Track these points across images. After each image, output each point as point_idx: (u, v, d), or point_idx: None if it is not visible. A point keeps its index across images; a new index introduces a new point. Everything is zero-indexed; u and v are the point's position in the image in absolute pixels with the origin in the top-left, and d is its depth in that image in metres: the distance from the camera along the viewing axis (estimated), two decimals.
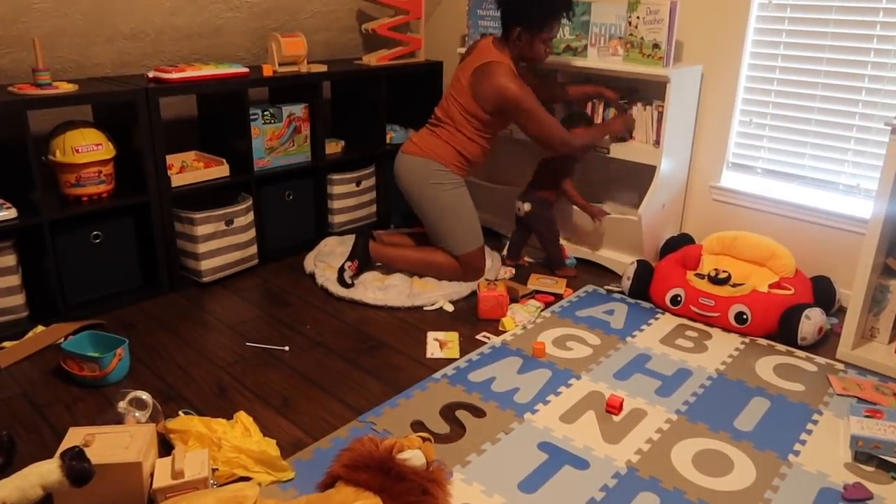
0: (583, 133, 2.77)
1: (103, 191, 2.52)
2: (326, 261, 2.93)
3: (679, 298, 2.58)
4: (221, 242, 2.77)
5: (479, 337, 2.44)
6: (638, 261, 2.75)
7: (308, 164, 3.09)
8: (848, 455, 1.86)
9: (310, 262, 2.98)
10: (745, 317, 2.44)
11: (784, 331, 2.41)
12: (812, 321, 2.36)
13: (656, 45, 2.69)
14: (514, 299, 2.68)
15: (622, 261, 2.95)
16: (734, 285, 2.51)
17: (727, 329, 2.51)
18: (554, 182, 2.91)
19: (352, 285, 2.74)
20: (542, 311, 2.63)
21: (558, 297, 2.73)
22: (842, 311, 2.52)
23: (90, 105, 2.71)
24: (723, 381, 2.20)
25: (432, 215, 2.75)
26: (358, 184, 3.31)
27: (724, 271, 2.56)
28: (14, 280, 2.34)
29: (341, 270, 2.75)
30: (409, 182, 2.76)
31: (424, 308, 2.64)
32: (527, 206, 2.91)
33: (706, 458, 1.84)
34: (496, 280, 2.74)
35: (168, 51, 2.91)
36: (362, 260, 2.79)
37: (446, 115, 2.74)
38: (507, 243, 3.11)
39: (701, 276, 2.59)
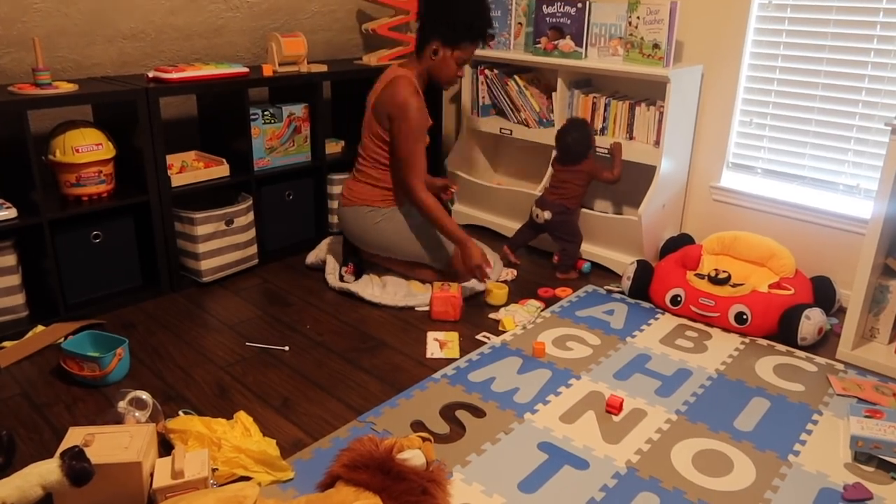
0: (433, 208, 2.56)
1: (103, 190, 2.52)
2: (331, 255, 2.97)
3: (679, 298, 2.58)
4: (221, 242, 2.77)
5: (478, 337, 2.44)
6: (638, 261, 2.75)
7: (308, 164, 3.09)
8: (848, 455, 1.86)
9: (317, 255, 3.00)
10: (744, 317, 2.44)
11: (784, 331, 2.41)
12: (812, 321, 2.36)
13: (656, 46, 2.69)
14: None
15: (622, 261, 2.95)
16: (734, 285, 2.50)
17: (727, 329, 2.51)
18: (575, 189, 2.88)
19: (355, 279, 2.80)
20: (541, 311, 2.63)
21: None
22: (842, 312, 2.52)
23: (90, 105, 2.71)
24: (723, 382, 2.20)
25: (393, 250, 2.73)
26: None
27: (724, 271, 2.56)
28: (14, 280, 2.34)
29: (340, 276, 2.80)
30: (353, 234, 2.75)
31: (416, 308, 2.64)
32: (546, 214, 2.88)
33: (706, 459, 1.84)
34: (450, 283, 2.65)
35: (168, 51, 2.92)
36: (356, 261, 2.81)
37: (361, 150, 2.73)
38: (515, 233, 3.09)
39: (701, 277, 2.58)
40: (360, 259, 2.83)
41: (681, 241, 2.92)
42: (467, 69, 3.34)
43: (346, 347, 2.36)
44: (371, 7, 3.41)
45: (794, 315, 2.38)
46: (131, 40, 2.78)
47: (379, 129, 2.63)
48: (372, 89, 2.69)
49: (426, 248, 2.72)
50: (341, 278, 2.80)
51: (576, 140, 2.84)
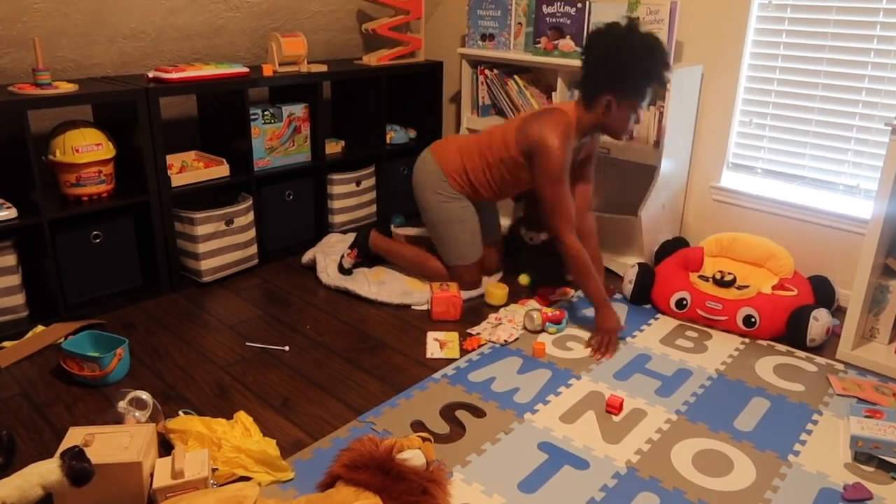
0: (581, 258, 2.39)
1: (103, 191, 2.52)
2: (328, 251, 2.98)
3: (685, 302, 2.55)
4: (221, 242, 2.77)
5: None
6: (639, 264, 2.73)
7: (308, 164, 3.09)
8: (848, 455, 1.86)
9: (310, 254, 3.00)
10: (753, 320, 2.43)
11: (792, 333, 2.40)
12: (820, 322, 2.35)
13: None
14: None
15: (621, 261, 2.95)
16: (740, 287, 2.49)
17: (732, 332, 2.49)
18: None
19: (350, 272, 2.82)
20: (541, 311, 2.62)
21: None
22: (841, 311, 2.52)
23: (90, 105, 2.71)
24: (723, 382, 2.20)
25: (428, 223, 2.75)
26: (358, 184, 3.31)
27: (729, 273, 2.54)
28: (14, 280, 2.34)
29: (341, 258, 2.84)
30: (416, 180, 2.73)
31: (413, 307, 2.64)
32: (543, 235, 2.87)
33: (706, 459, 1.84)
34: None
35: (168, 51, 2.91)
36: (362, 248, 2.83)
37: (485, 137, 2.61)
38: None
39: (705, 279, 2.57)
40: (367, 246, 2.84)
41: (675, 245, 2.90)
42: (467, 69, 3.34)
43: (345, 347, 2.36)
44: (371, 7, 3.41)
45: (803, 316, 2.37)
46: (131, 40, 2.77)
47: (514, 145, 2.48)
48: (532, 108, 2.61)
49: (448, 244, 2.71)
50: (341, 263, 2.82)
51: None
